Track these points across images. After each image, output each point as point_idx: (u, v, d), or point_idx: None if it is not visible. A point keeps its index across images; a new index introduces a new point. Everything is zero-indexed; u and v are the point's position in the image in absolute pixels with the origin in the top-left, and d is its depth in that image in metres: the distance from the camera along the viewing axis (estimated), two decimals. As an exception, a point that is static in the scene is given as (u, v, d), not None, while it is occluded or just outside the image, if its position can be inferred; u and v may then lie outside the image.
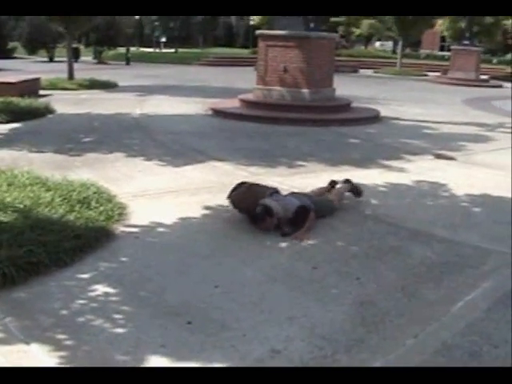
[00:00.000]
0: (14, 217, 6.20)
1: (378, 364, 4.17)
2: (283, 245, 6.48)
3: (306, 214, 6.94)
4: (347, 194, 8.08)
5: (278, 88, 17.05)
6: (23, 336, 4.33)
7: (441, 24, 51.63)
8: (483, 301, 5.30)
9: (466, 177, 10.05)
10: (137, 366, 4.03)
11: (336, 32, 62.31)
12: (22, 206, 6.53)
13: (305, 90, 16.80)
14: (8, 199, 6.69)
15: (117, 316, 4.72)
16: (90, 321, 4.62)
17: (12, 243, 5.45)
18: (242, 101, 17.57)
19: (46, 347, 4.20)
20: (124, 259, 5.88)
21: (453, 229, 7.26)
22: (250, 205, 6.99)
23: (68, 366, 3.98)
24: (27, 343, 4.25)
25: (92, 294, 5.08)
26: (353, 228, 7.15)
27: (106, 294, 5.09)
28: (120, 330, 4.51)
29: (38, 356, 4.11)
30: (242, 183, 7.50)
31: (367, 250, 6.43)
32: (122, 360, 4.09)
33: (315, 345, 4.41)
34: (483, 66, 43.31)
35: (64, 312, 4.75)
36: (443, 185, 9.26)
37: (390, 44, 68.98)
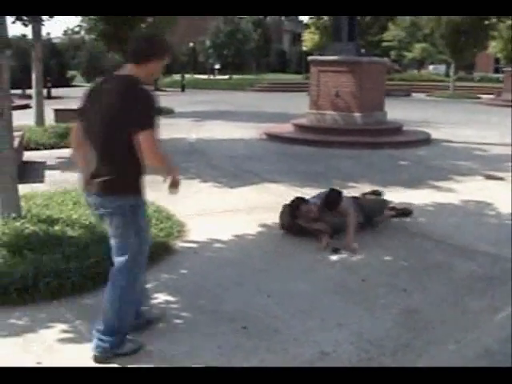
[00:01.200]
0: (81, 232, 6.66)
1: (420, 366, 4.46)
2: (334, 259, 6.79)
3: (338, 196, 7.53)
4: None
5: (331, 112, 17.37)
6: (92, 337, 4.72)
7: (494, 46, 51.37)
8: (525, 311, 5.54)
9: (515, 196, 10.22)
10: (195, 364, 4.38)
11: (388, 56, 62.49)
12: (87, 222, 6.98)
13: (357, 114, 17.09)
14: (74, 216, 7.16)
15: (177, 321, 5.11)
16: (153, 325, 5.00)
17: (79, 255, 5.88)
18: (296, 125, 17.93)
19: (114, 347, 4.58)
20: (183, 271, 6.27)
21: (497, 245, 7.45)
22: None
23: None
24: (96, 343, 4.64)
25: (154, 301, 5.45)
26: (401, 244, 7.42)
27: (167, 302, 5.48)
28: (180, 333, 4.88)
29: (106, 355, 4.49)
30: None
31: (414, 264, 6.70)
32: (181, 359, 4.45)
33: (362, 348, 4.71)
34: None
35: (129, 317, 5.14)
36: (490, 204, 9.45)
37: (443, 67, 68.70)
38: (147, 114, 4.34)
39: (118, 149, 4.30)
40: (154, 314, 5.09)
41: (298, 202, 7.55)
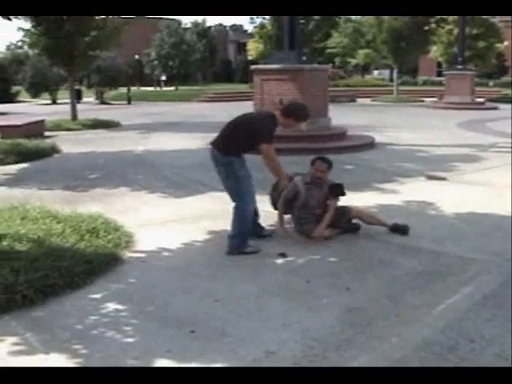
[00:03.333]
0: (29, 246, 6.73)
1: (363, 359, 4.64)
2: (280, 262, 6.97)
3: (343, 190, 8.16)
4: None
5: (275, 120, 17.47)
6: (43, 348, 4.82)
7: (435, 50, 52.28)
8: (463, 303, 5.77)
9: (456, 195, 10.52)
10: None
11: (333, 63, 63.17)
12: (35, 236, 7.05)
13: (301, 121, 17.21)
14: (22, 231, 7.21)
15: (127, 328, 5.22)
16: (103, 333, 5.12)
17: (29, 269, 5.95)
18: (241, 134, 17.98)
19: (64, 356, 4.69)
20: (132, 280, 6.38)
21: (440, 242, 7.72)
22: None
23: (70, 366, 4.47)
24: (47, 353, 4.74)
25: (103, 310, 5.58)
26: (345, 245, 7.63)
27: (117, 311, 5.59)
28: (130, 340, 5.00)
29: (57, 364, 4.58)
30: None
31: (358, 264, 6.91)
32: (132, 364, 4.57)
33: (307, 345, 4.88)
34: (480, 89, 44.10)
35: (79, 327, 5.25)
36: (432, 203, 9.73)
37: (387, 72, 69.62)
38: (271, 134, 7.44)
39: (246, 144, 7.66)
40: (264, 232, 8.00)
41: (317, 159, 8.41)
